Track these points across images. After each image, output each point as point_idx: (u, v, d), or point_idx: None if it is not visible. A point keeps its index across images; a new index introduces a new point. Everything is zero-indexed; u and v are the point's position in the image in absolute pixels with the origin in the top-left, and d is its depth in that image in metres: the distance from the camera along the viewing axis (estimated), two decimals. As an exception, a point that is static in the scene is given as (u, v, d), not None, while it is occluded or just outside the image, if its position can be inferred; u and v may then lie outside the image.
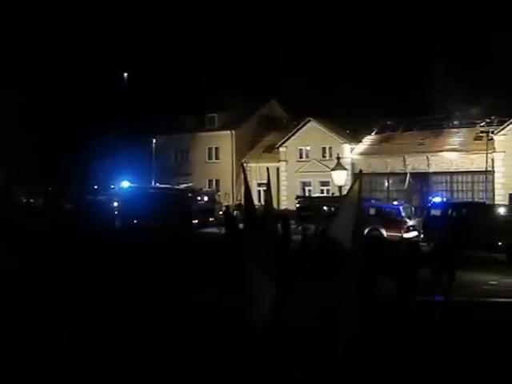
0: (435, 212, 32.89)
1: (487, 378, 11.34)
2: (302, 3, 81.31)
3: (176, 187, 47.03)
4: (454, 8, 73.32)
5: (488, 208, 33.54)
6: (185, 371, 11.06)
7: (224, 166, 53.81)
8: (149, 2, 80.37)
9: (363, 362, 9.13)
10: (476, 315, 16.12)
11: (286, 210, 43.62)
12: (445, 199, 38.08)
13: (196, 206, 41.35)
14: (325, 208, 35.70)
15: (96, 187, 50.54)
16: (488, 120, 43.99)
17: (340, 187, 23.32)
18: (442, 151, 43.66)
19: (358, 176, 9.63)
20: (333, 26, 79.09)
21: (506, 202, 34.62)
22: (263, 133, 54.96)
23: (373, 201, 38.03)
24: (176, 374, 11.03)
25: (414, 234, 34.14)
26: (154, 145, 54.90)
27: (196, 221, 40.40)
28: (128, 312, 14.28)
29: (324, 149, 48.55)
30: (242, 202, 18.81)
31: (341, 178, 23.55)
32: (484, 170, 40.54)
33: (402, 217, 34.49)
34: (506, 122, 41.25)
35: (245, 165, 49.61)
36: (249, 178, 47.00)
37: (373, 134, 49.34)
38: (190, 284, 18.11)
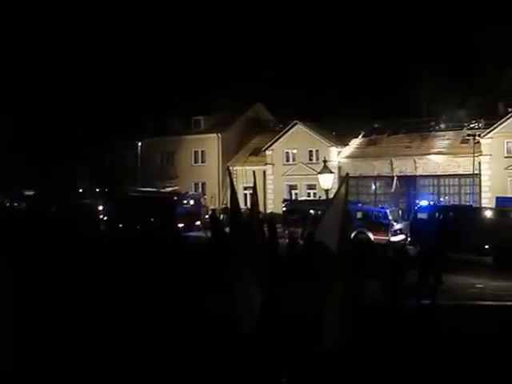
0: (422, 215, 32.87)
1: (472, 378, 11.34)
2: (290, 5, 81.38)
3: (162, 190, 46.76)
4: (441, 9, 73.51)
5: (475, 211, 33.52)
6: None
7: (210, 169, 53.49)
8: (133, 1, 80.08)
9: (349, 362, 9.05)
10: (462, 318, 16.10)
11: (272, 213, 43.48)
12: (432, 202, 38.01)
13: (182, 210, 41.10)
14: (311, 211, 35.50)
15: (81, 190, 50.04)
16: (475, 123, 44.04)
17: (327, 191, 23.12)
18: (428, 154, 43.63)
19: (344, 179, 9.47)
20: (320, 29, 79.09)
21: (493, 205, 34.54)
22: (250, 136, 54.71)
23: (360, 204, 37.91)
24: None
25: (401, 237, 34.11)
26: (139, 148, 54.51)
27: (182, 224, 40.12)
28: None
29: (311, 152, 48.39)
30: (228, 205, 18.69)
31: (327, 182, 23.37)
32: (471, 173, 40.57)
33: (388, 220, 34.41)
34: (492, 125, 41.29)
35: (231, 168, 49.41)
36: (235, 182, 46.82)
37: (360, 137, 49.27)
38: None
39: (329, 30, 79.82)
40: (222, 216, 40.19)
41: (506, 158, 40.30)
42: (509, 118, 40.35)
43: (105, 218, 43.17)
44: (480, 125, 43.44)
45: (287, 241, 28.20)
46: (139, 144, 54.67)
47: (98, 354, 11.88)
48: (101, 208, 44.15)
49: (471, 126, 43.93)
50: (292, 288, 9.94)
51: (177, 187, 48.17)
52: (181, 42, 78.86)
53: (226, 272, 11.14)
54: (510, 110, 41.71)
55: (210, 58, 74.04)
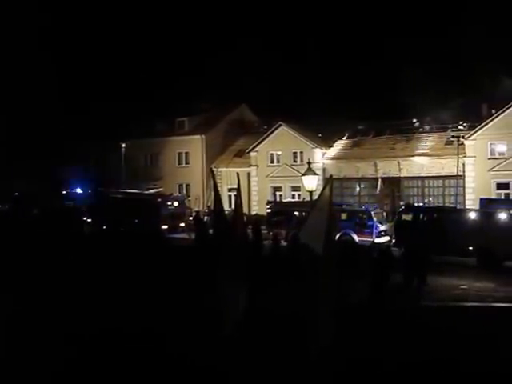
0: (406, 217, 32.87)
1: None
2: (273, 5, 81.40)
3: (146, 192, 46.52)
4: (424, 9, 73.82)
5: (459, 212, 33.59)
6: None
7: (194, 171, 53.36)
8: (119, 4, 79.77)
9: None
10: (446, 320, 16.11)
11: (256, 215, 43.42)
12: (416, 204, 38.08)
13: (166, 211, 40.87)
14: (296, 213, 35.43)
15: (64, 192, 49.63)
16: (459, 125, 44.20)
17: (311, 192, 23.07)
18: (413, 156, 43.72)
19: (328, 181, 9.43)
20: (304, 29, 79.20)
21: (477, 207, 34.63)
22: (234, 137, 54.58)
23: (344, 206, 37.88)
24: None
25: (385, 238, 34.10)
26: (123, 149, 54.19)
27: (166, 226, 39.92)
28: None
29: (295, 153, 48.35)
30: (212, 207, 18.65)
31: (312, 183, 23.31)
32: (455, 174, 40.68)
33: (373, 222, 34.39)
34: (476, 126, 41.45)
35: (215, 169, 49.27)
36: (219, 183, 46.80)
37: (344, 138, 49.30)
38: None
39: (313, 30, 79.90)
40: (205, 218, 40.08)
41: (489, 159, 40.46)
42: (492, 119, 40.52)
43: (88, 220, 42.80)
44: (464, 126, 43.61)
45: (271, 242, 28.36)
46: (123, 145, 54.27)
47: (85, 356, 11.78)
48: (84, 210, 43.77)
49: (455, 127, 44.06)
50: (276, 288, 9.90)
51: (161, 189, 47.94)
52: (165, 43, 78.72)
53: (210, 273, 11.09)
54: (493, 111, 41.87)
55: (194, 59, 73.83)
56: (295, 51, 72.84)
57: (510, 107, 39.71)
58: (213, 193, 14.31)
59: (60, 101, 56.69)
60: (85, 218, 42.99)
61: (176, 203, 42.64)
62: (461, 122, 44.25)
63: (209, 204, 46.99)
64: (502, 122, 39.93)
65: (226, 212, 13.77)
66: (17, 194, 50.88)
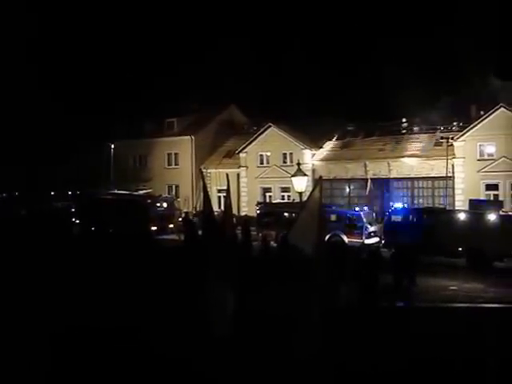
0: (396, 218, 32.91)
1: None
2: (262, 6, 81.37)
3: (134, 193, 46.34)
4: (414, 11, 74.03)
5: (448, 213, 33.63)
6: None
7: (183, 172, 53.18)
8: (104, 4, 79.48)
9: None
10: (435, 321, 16.08)
11: (246, 216, 43.25)
12: (405, 205, 38.12)
13: (155, 213, 40.73)
14: (286, 214, 35.41)
15: (52, 193, 49.44)
16: (448, 126, 44.28)
17: (300, 193, 22.97)
18: (402, 157, 43.75)
19: (317, 182, 9.38)
20: (293, 31, 79.23)
21: (466, 208, 34.69)
22: (223, 138, 54.42)
23: (334, 207, 37.85)
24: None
25: (375, 239, 34.10)
26: (112, 150, 53.97)
27: (155, 227, 39.77)
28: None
29: (285, 154, 48.31)
30: (200, 208, 18.75)
31: (301, 184, 23.21)
32: (444, 175, 40.73)
33: (363, 223, 34.37)
34: (465, 127, 41.54)
35: (205, 171, 49.16)
36: (208, 184, 46.69)
37: (334, 139, 49.29)
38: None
39: (302, 30, 79.95)
40: (194, 219, 39.94)
41: (478, 160, 40.55)
42: (481, 120, 40.61)
43: (77, 221, 42.60)
44: (453, 127, 43.69)
45: (260, 243, 28.25)
46: (112, 146, 54.07)
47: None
48: (73, 211, 43.58)
49: (445, 128, 44.14)
50: (265, 289, 9.85)
51: (150, 190, 47.74)
52: (153, 43, 78.51)
53: (200, 274, 11.02)
54: (482, 112, 41.96)
55: (183, 59, 73.69)
56: (285, 52, 72.85)
57: (498, 108, 39.78)
58: (202, 194, 14.24)
59: (49, 101, 56.42)
60: (73, 219, 42.80)
61: (165, 204, 42.58)
62: (450, 124, 44.29)
63: (196, 205, 46.85)
64: (490, 124, 40.01)
65: (216, 213, 13.69)
66: (4, 195, 50.68)
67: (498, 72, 43.66)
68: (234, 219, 21.40)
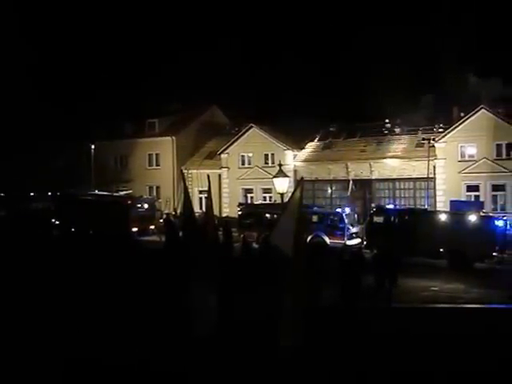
0: (378, 219, 32.93)
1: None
2: (245, 5, 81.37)
3: (115, 194, 46.03)
4: (394, 10, 74.29)
5: (429, 214, 33.70)
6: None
7: (165, 173, 52.94)
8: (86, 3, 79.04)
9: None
10: (416, 321, 16.14)
11: (227, 217, 43.13)
12: (387, 206, 38.14)
13: (135, 214, 40.50)
14: (267, 215, 35.32)
15: (32, 194, 48.94)
16: (430, 127, 44.41)
17: (282, 194, 22.89)
18: (384, 158, 43.80)
19: (299, 183, 9.35)
20: (275, 32, 79.22)
21: (447, 209, 34.82)
22: (205, 139, 54.25)
23: (315, 208, 37.85)
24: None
25: (356, 241, 34.11)
26: (92, 150, 53.58)
27: (135, 228, 39.54)
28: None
29: (266, 155, 48.22)
30: (179, 210, 18.64)
31: (283, 185, 23.11)
32: (425, 176, 40.84)
33: (344, 224, 34.36)
34: (447, 129, 41.69)
35: (186, 171, 48.95)
36: (190, 185, 46.49)
37: (315, 140, 49.27)
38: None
39: (284, 31, 79.94)
40: (175, 220, 39.75)
41: (459, 161, 40.70)
42: (462, 122, 40.76)
43: (57, 223, 42.22)
44: (435, 129, 43.84)
45: (241, 244, 28.15)
46: (92, 146, 53.67)
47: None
48: (53, 212, 43.17)
49: (426, 130, 44.26)
50: (246, 290, 9.83)
51: (131, 191, 47.48)
52: (135, 43, 78.17)
53: (181, 275, 10.96)
54: (462, 114, 42.14)
55: (165, 60, 73.42)
56: (266, 53, 72.84)
57: (479, 110, 39.95)
58: (183, 195, 14.15)
59: (28, 101, 55.87)
60: (53, 220, 42.42)
61: (146, 205, 42.40)
62: (432, 125, 44.43)
63: (176, 207, 46.60)
64: (471, 125, 40.17)
65: (197, 214, 13.60)
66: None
67: (477, 70, 43.86)
68: (216, 220, 21.30)
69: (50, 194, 45.98)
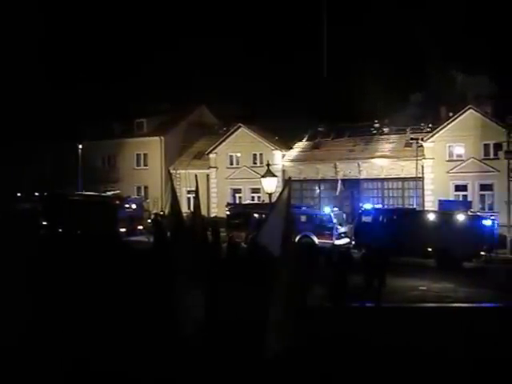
0: (366, 218, 32.99)
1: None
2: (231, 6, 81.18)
3: (103, 194, 45.82)
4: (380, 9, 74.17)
5: (418, 214, 33.78)
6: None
7: (153, 173, 52.77)
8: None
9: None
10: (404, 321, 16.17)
11: (216, 217, 43.08)
12: (375, 205, 38.19)
13: (124, 214, 40.35)
14: (255, 215, 35.26)
15: (19, 194, 48.63)
16: (418, 127, 44.49)
17: (270, 194, 22.87)
18: (372, 158, 43.84)
19: (286, 183, 9.35)
20: (259, 32, 79.12)
21: (436, 208, 34.89)
22: (193, 139, 54.07)
23: (304, 208, 37.82)
24: None
25: (345, 240, 34.14)
26: (80, 150, 53.33)
27: (123, 229, 39.38)
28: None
29: (255, 155, 48.13)
30: (167, 210, 18.61)
31: (271, 185, 23.09)
32: (414, 176, 40.90)
33: (333, 223, 34.37)
34: (435, 129, 41.77)
35: (174, 171, 48.82)
36: (178, 185, 46.34)
37: (304, 140, 49.27)
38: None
39: (268, 30, 79.81)
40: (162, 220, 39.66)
41: (448, 161, 40.79)
42: (450, 122, 40.87)
43: (44, 223, 41.95)
44: (423, 128, 43.93)
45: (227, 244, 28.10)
46: (80, 146, 53.40)
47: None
48: (40, 212, 42.89)
49: (414, 129, 44.33)
50: (234, 290, 9.85)
51: (118, 191, 47.19)
52: (122, 41, 77.75)
53: (169, 276, 10.92)
54: (451, 114, 42.25)
55: (153, 59, 73.04)
56: (254, 53, 72.63)
57: (467, 110, 40.06)
58: (170, 196, 14.10)
59: (15, 101, 55.55)
60: (41, 221, 42.14)
61: (134, 205, 42.22)
62: (420, 125, 44.53)
63: (163, 207, 46.47)
64: (459, 125, 40.27)
65: (185, 214, 13.53)
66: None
67: (464, 68, 43.92)
68: (204, 220, 21.25)
69: (37, 194, 45.73)
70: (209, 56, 60.47)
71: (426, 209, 38.03)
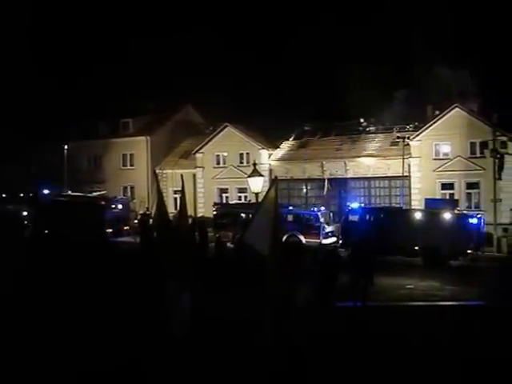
0: (353, 217, 32.99)
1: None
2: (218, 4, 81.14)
3: (89, 195, 45.59)
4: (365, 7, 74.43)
5: (405, 213, 33.83)
6: None
7: (139, 173, 52.59)
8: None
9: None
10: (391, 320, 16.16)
11: (203, 217, 42.97)
12: (362, 204, 38.21)
13: (110, 215, 40.13)
14: (242, 215, 35.21)
15: (4, 196, 48.34)
16: (404, 126, 44.55)
17: (257, 194, 22.80)
18: (359, 157, 43.84)
19: (273, 183, 9.35)
20: (245, 32, 79.09)
21: (422, 207, 34.94)
22: (179, 138, 53.90)
23: (291, 207, 37.80)
24: None
25: (332, 239, 34.15)
26: (65, 151, 53.04)
27: (110, 229, 39.15)
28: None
29: (241, 155, 48.04)
30: (153, 210, 18.50)
31: (257, 185, 23.00)
32: (400, 175, 40.93)
33: (320, 223, 34.38)
34: (421, 127, 41.83)
35: (160, 171, 48.65)
36: (165, 185, 46.20)
37: (290, 139, 49.22)
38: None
39: (255, 29, 79.86)
40: (150, 221, 39.50)
41: (434, 160, 40.86)
42: (437, 120, 40.96)
43: (30, 224, 41.66)
44: (409, 127, 44.00)
45: (215, 244, 28.04)
46: (65, 147, 53.12)
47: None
48: (25, 214, 42.60)
49: (401, 128, 44.39)
50: (221, 289, 9.85)
51: (105, 191, 47.06)
52: (109, 41, 77.54)
53: (156, 276, 10.91)
54: (437, 112, 42.35)
55: (137, 58, 72.90)
56: (240, 51, 72.55)
57: (453, 108, 40.16)
58: (157, 197, 14.04)
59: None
60: (26, 222, 41.85)
61: (120, 206, 42.03)
62: (406, 123, 44.58)
63: (147, 207, 46.25)
64: (445, 123, 40.38)
65: (171, 214, 13.48)
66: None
67: (448, 63, 44.02)
68: (190, 220, 21.16)
69: (22, 195, 45.46)
70: (195, 55, 60.16)
71: (412, 207, 38.11)
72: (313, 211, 36.03)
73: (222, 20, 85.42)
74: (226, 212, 38.14)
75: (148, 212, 41.72)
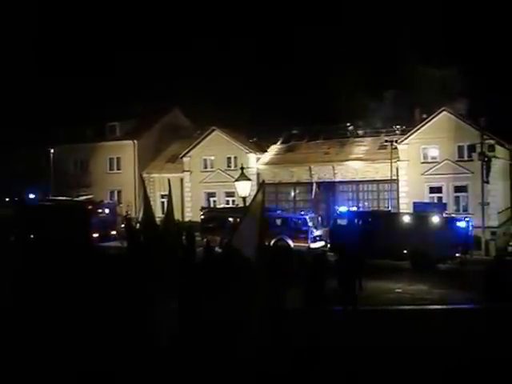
0: (341, 221, 32.96)
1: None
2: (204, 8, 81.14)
3: (75, 199, 45.28)
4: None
5: (393, 216, 33.85)
6: None
7: (126, 177, 52.27)
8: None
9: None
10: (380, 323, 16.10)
11: (190, 221, 42.82)
12: (351, 208, 38.16)
13: (96, 219, 39.83)
14: (230, 219, 35.07)
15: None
16: (392, 129, 44.58)
17: (244, 198, 22.69)
18: (347, 160, 43.82)
19: (260, 187, 9.29)
20: (234, 34, 79.11)
21: (410, 210, 34.94)
22: (167, 142, 53.71)
23: (279, 211, 37.71)
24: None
25: (320, 243, 34.09)
26: (51, 155, 52.71)
27: (96, 234, 38.87)
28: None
29: (229, 159, 47.87)
30: (140, 215, 18.38)
31: (245, 189, 22.88)
32: (389, 178, 40.95)
33: (308, 227, 34.30)
34: (409, 131, 41.86)
35: (147, 175, 48.48)
36: (152, 189, 46.01)
37: (278, 143, 49.16)
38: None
39: (243, 33, 79.86)
40: (137, 225, 39.25)
41: (422, 163, 40.89)
42: (424, 124, 40.99)
43: (16, 229, 41.29)
44: (397, 131, 44.02)
45: (204, 248, 27.87)
46: (52, 151, 52.80)
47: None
48: (11, 218, 42.22)
49: (389, 132, 44.40)
50: (208, 294, 9.79)
51: (91, 195, 46.73)
52: (96, 45, 77.34)
53: (143, 281, 10.83)
54: (424, 116, 42.42)
55: (125, 61, 72.75)
56: (228, 54, 72.65)
57: (441, 112, 40.22)
58: (143, 201, 13.95)
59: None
60: (11, 227, 41.47)
61: (107, 210, 41.75)
62: (394, 127, 44.61)
63: (128, 210, 45.98)
64: (433, 127, 40.42)
65: (158, 219, 13.36)
66: None
67: (435, 64, 44.16)
68: (177, 224, 21.00)
69: (7, 199, 45.08)
70: (183, 58, 60.04)
71: (401, 211, 38.14)
72: (301, 215, 35.95)
73: (210, 23, 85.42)
74: (213, 216, 37.98)
75: (129, 216, 41.46)
